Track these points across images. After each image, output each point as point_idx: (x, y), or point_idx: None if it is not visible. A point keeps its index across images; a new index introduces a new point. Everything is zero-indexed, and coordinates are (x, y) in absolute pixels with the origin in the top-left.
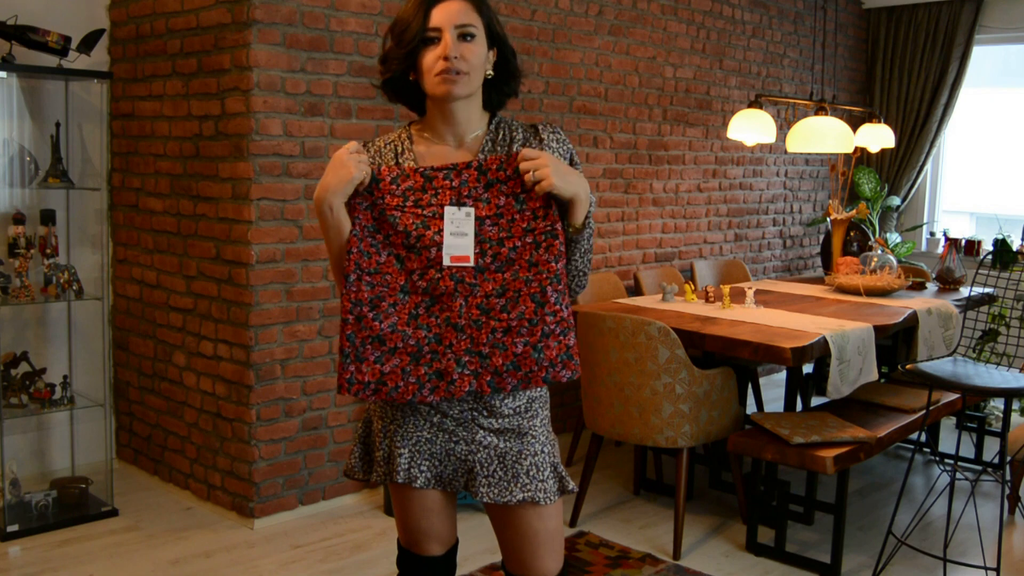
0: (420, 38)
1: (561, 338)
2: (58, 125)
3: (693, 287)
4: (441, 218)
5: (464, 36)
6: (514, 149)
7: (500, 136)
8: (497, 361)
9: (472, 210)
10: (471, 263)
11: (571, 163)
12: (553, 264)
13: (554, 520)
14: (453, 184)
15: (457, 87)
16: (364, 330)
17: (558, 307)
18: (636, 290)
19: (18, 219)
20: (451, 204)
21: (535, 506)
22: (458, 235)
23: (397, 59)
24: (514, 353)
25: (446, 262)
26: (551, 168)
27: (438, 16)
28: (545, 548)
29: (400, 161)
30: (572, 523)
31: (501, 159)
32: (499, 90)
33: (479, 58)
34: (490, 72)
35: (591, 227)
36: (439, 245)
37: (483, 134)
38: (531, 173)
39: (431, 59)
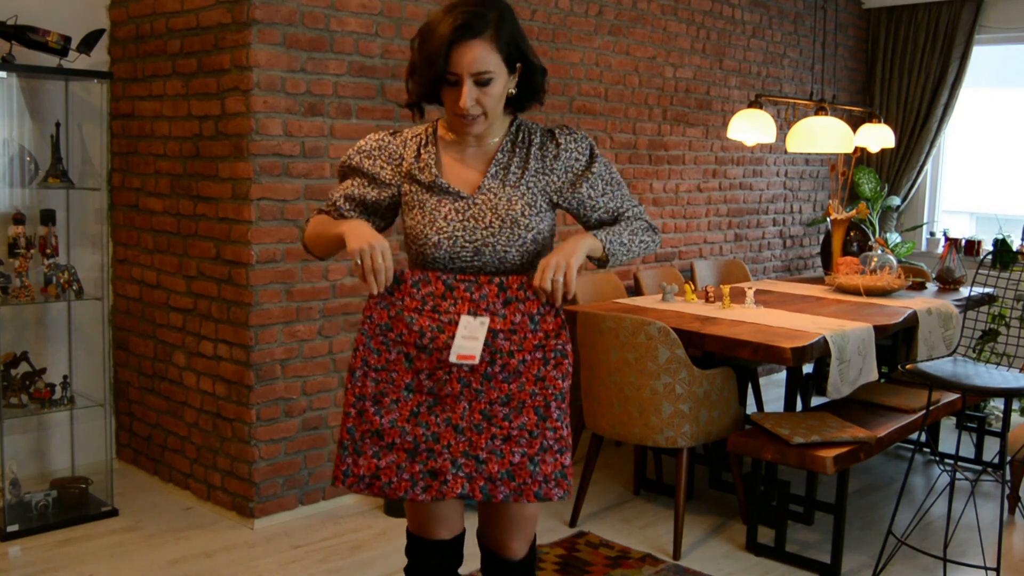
0: (440, 79)
1: (558, 455)
2: (58, 125)
3: (693, 287)
4: (456, 324)
5: (481, 82)
6: (531, 154)
7: (519, 139)
8: (492, 468)
9: (487, 320)
10: (475, 361)
11: (591, 159)
12: (560, 382)
13: (533, 508)
14: (473, 296)
15: (473, 129)
16: (364, 424)
17: (559, 424)
18: (636, 290)
19: (18, 219)
20: (467, 313)
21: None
22: (468, 338)
23: (420, 95)
24: (510, 462)
25: (452, 359)
26: (565, 274)
27: (457, 61)
28: (520, 531)
29: (421, 153)
30: (572, 523)
31: (522, 280)
32: (521, 103)
33: (496, 98)
34: (513, 91)
35: (614, 254)
36: (450, 348)
37: (502, 138)
38: (557, 292)
39: (450, 99)
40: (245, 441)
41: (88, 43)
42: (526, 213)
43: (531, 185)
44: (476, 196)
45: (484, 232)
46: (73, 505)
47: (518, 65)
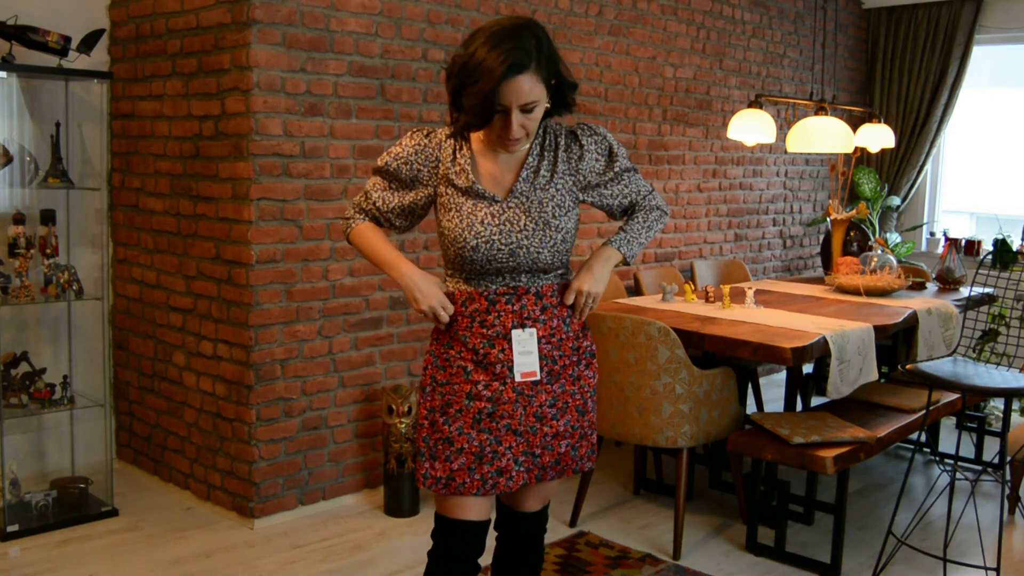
0: (491, 111)
1: (591, 438)
2: (58, 125)
3: (693, 287)
4: (504, 337)
5: (527, 110)
6: (558, 157)
7: (547, 142)
8: (545, 459)
9: (535, 331)
10: (538, 377)
11: (611, 156)
12: (593, 380)
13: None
14: (515, 308)
15: (516, 147)
16: (436, 433)
17: (593, 414)
18: (636, 290)
19: (18, 219)
20: (515, 327)
21: None
22: (525, 354)
23: (470, 125)
24: (558, 453)
25: (517, 378)
26: (592, 296)
27: (506, 95)
28: (539, 496)
29: (457, 156)
30: (572, 523)
31: (554, 287)
32: (552, 113)
33: (537, 120)
34: (547, 105)
35: (633, 255)
36: (503, 362)
37: (532, 142)
38: (583, 310)
39: (498, 125)
40: (245, 441)
41: (88, 43)
42: (556, 215)
43: (560, 187)
44: (509, 200)
45: (519, 235)
46: (73, 505)
47: (553, 81)
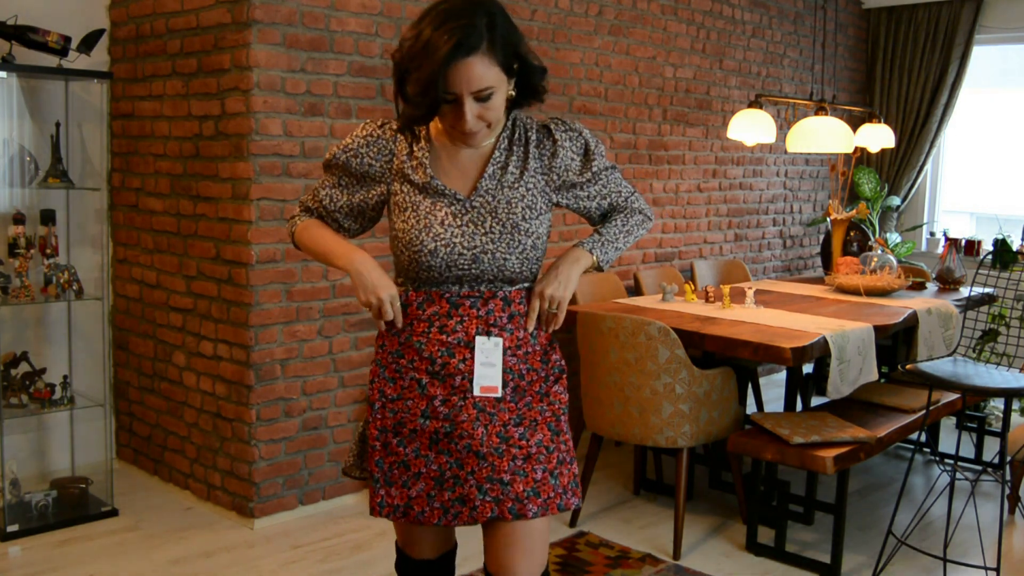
0: (438, 100)
1: (570, 466)
2: (58, 125)
3: (693, 287)
4: (466, 346)
5: (482, 98)
6: (529, 153)
7: (516, 135)
8: (518, 488)
9: (500, 340)
10: (499, 394)
11: (586, 154)
12: (563, 396)
13: (541, 524)
14: (480, 312)
15: (474, 141)
16: (390, 455)
17: (567, 435)
18: (636, 290)
19: (18, 219)
20: (479, 333)
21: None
22: (487, 365)
23: (414, 119)
24: (534, 479)
25: (476, 392)
26: (556, 301)
27: (455, 80)
28: (531, 553)
29: (414, 149)
30: (572, 523)
31: (523, 294)
32: (519, 103)
33: (497, 110)
34: (512, 92)
35: (608, 262)
36: (463, 373)
37: (499, 135)
38: (548, 319)
39: (450, 117)
40: (245, 441)
41: (88, 43)
42: (527, 217)
43: (530, 186)
44: (473, 198)
45: (484, 238)
46: (73, 505)
47: (515, 66)
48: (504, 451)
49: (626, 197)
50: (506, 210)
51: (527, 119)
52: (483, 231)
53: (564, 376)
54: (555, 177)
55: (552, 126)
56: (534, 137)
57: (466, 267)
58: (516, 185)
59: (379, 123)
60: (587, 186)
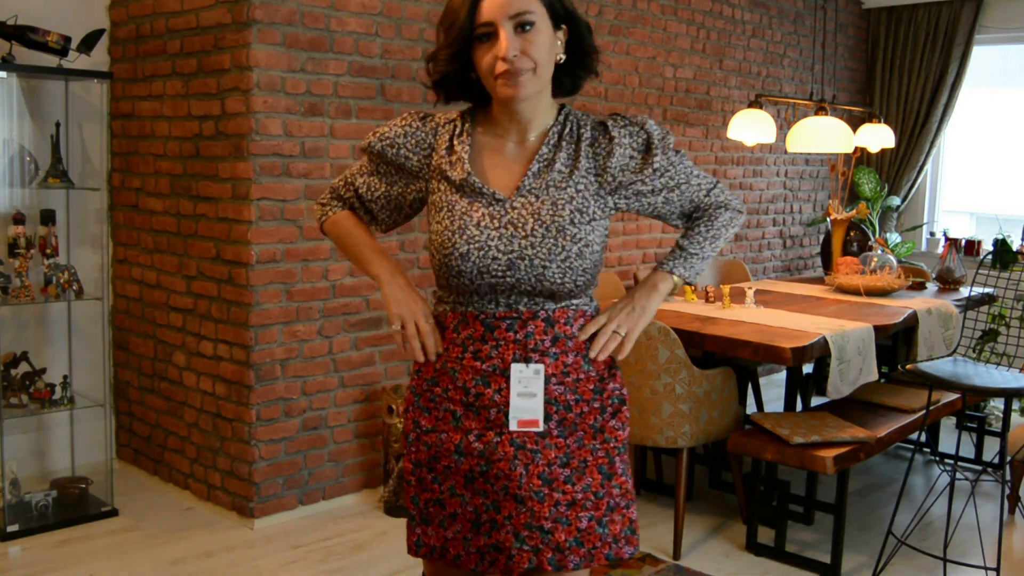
0: (469, 35)
1: (625, 511)
2: (58, 125)
3: (693, 287)
4: (502, 374)
5: (522, 26)
6: (581, 150)
7: (568, 130)
8: (560, 537)
9: (541, 367)
10: (540, 427)
11: (647, 149)
12: (621, 433)
13: (581, 575)
14: (517, 335)
15: (524, 89)
16: (426, 492)
17: (624, 478)
18: None
19: (18, 219)
20: (516, 360)
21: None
22: (525, 396)
23: (445, 60)
24: (578, 528)
25: (512, 426)
26: (621, 333)
27: (489, 7)
28: None
29: (454, 144)
30: None
31: (569, 314)
32: (572, 73)
33: (544, 48)
34: (561, 56)
35: (689, 278)
36: (499, 406)
37: (549, 128)
38: (606, 349)
39: (489, 59)
40: (245, 441)
41: (88, 43)
42: (575, 221)
43: (581, 187)
44: (514, 198)
45: (523, 242)
46: (73, 505)
47: (563, 26)
48: (546, 495)
49: (707, 190)
50: (551, 212)
51: (582, 115)
52: (523, 234)
53: (624, 408)
54: (610, 178)
55: (610, 122)
56: (588, 135)
57: (500, 274)
58: (564, 184)
59: (420, 115)
60: (649, 180)
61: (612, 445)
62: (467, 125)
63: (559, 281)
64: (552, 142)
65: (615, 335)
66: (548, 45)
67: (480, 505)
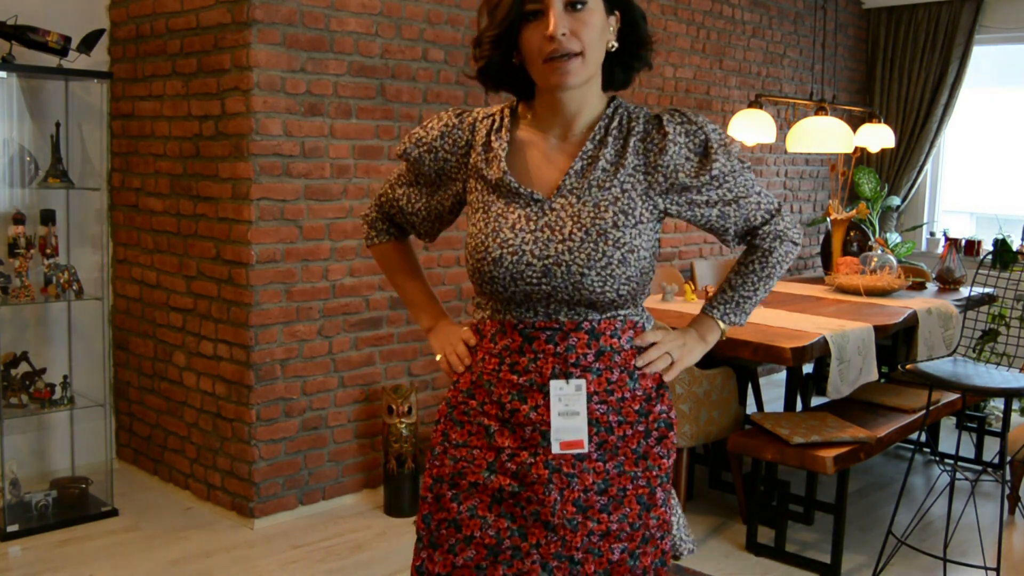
0: (517, 14)
1: (659, 542)
2: (58, 125)
3: (693, 287)
4: (539, 389)
5: (573, 5)
6: (629, 146)
7: (616, 123)
8: (588, 568)
9: (583, 383)
10: (584, 449)
11: (705, 152)
12: (665, 461)
13: None
14: (558, 348)
15: (572, 76)
16: (441, 511)
17: (663, 509)
18: None
19: (18, 219)
20: (555, 376)
21: None
22: (568, 415)
23: (491, 42)
24: (609, 560)
25: (555, 449)
26: (673, 357)
27: None
28: None
29: (492, 139)
30: None
31: (616, 324)
32: (624, 64)
33: (596, 31)
34: (613, 44)
35: (737, 323)
36: (535, 424)
37: (595, 120)
38: (651, 364)
39: (536, 40)
40: (245, 441)
41: (88, 43)
42: (619, 224)
43: (628, 187)
44: (554, 199)
45: (560, 246)
46: (73, 505)
47: (616, 12)
48: (579, 524)
49: (769, 215)
50: (592, 214)
51: (634, 107)
52: (560, 238)
53: (671, 434)
54: (661, 178)
55: (666, 117)
56: (640, 128)
57: (535, 281)
58: (608, 184)
59: (457, 112)
60: (705, 190)
61: (655, 474)
62: (507, 120)
63: (599, 290)
64: (598, 137)
65: (666, 355)
66: (600, 29)
67: (504, 530)
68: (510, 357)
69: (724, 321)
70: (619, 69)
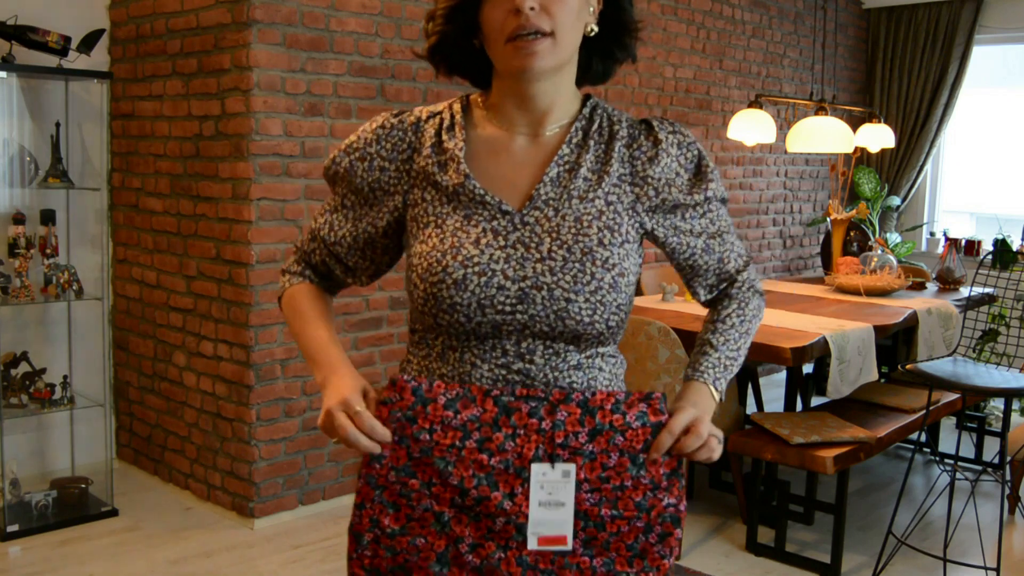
0: None
1: None
2: (58, 125)
3: None
4: (517, 474)
5: None
6: (613, 152)
7: (596, 127)
8: None
9: (572, 468)
10: (568, 546)
11: (698, 170)
12: (666, 562)
13: None
14: (543, 425)
15: (539, 59)
16: None
17: None
18: (636, 290)
19: (18, 219)
20: (538, 459)
21: None
22: (550, 505)
23: (444, 14)
24: None
25: (531, 545)
26: (712, 439)
27: None
28: None
29: (444, 139)
30: None
31: (618, 397)
32: (605, 53)
33: (572, 10)
34: (593, 28)
35: (723, 390)
36: (510, 516)
37: (572, 119)
38: (693, 450)
39: (498, 16)
40: (245, 441)
41: (88, 43)
42: (605, 241)
43: (612, 199)
44: (527, 211)
45: (538, 266)
46: (73, 505)
47: None
48: None
49: (744, 263)
50: (574, 229)
51: (614, 110)
52: (538, 256)
53: (677, 531)
54: (651, 192)
55: (656, 123)
56: (624, 133)
57: (509, 310)
58: (591, 195)
59: (395, 112)
60: (692, 215)
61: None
62: (459, 117)
63: (587, 319)
64: (575, 140)
65: (704, 439)
66: (577, 8)
67: None
68: (479, 431)
69: (715, 388)
70: (598, 59)
